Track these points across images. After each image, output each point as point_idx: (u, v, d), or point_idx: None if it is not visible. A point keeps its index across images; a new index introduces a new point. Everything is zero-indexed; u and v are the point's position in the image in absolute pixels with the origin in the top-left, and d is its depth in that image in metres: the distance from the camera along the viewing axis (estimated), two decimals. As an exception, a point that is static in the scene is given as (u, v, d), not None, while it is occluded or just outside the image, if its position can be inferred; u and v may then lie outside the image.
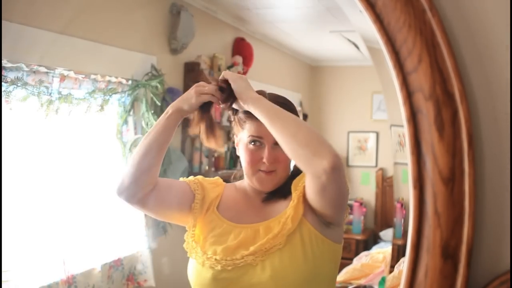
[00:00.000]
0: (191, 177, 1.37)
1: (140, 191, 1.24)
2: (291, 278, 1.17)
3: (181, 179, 1.36)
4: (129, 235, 2.78)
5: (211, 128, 1.27)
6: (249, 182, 1.30)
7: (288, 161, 1.27)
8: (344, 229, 1.30)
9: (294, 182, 1.26)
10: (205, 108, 1.25)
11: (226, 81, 1.22)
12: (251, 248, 1.19)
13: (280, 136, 1.13)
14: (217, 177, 1.40)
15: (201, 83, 1.25)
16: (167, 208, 1.32)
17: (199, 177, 1.38)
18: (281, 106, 1.18)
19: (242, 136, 1.28)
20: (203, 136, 1.27)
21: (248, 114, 1.23)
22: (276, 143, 1.20)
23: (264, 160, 1.24)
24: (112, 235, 2.68)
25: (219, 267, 1.20)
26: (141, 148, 1.25)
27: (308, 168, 1.11)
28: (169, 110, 1.24)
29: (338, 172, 1.10)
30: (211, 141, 1.27)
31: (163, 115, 1.26)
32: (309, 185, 1.17)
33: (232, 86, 1.20)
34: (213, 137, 1.27)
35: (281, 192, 1.28)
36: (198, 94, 1.23)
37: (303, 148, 1.11)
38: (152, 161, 1.24)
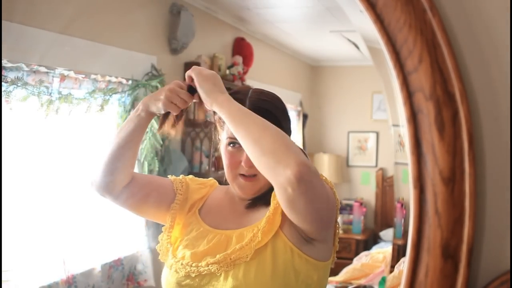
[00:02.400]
0: (180, 176, 1.31)
1: (112, 187, 1.21)
2: None
3: (169, 176, 1.30)
4: (129, 235, 2.78)
5: (178, 119, 1.19)
6: (232, 188, 1.22)
7: None
8: (340, 233, 1.18)
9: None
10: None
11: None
12: (217, 256, 1.11)
13: (244, 142, 1.02)
14: (210, 178, 1.34)
15: (176, 85, 1.15)
16: (142, 205, 1.26)
17: (189, 176, 1.31)
18: (264, 104, 1.12)
19: (222, 137, 1.19)
20: (167, 123, 1.19)
21: None
22: None
23: (242, 163, 1.14)
24: (112, 235, 2.68)
25: (182, 273, 1.14)
26: (112, 146, 1.19)
27: (272, 177, 0.99)
28: (139, 107, 1.18)
29: (306, 184, 0.95)
30: (172, 129, 1.19)
31: (133, 112, 1.19)
32: (278, 197, 1.02)
33: (198, 90, 1.12)
34: (174, 127, 1.19)
35: (264, 199, 1.17)
36: (168, 102, 1.13)
37: (266, 156, 0.98)
38: (121, 161, 1.20)
